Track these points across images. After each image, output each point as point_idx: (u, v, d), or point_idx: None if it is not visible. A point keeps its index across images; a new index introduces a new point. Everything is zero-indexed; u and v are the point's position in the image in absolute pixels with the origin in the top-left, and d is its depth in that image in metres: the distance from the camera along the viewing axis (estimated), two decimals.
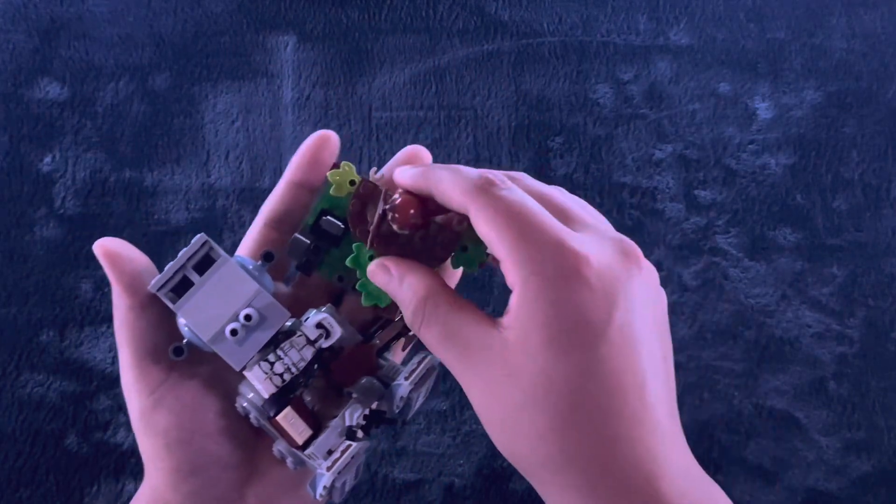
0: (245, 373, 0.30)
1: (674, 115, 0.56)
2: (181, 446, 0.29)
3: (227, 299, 0.29)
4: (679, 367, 0.53)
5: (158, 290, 0.29)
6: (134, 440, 0.52)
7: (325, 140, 0.32)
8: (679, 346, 0.54)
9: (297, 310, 0.31)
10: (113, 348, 0.53)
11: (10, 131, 0.55)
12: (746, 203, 0.55)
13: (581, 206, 0.29)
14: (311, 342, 0.30)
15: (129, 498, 0.52)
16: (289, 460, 0.30)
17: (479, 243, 0.31)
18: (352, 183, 0.35)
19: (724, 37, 0.57)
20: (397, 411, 0.30)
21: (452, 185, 0.28)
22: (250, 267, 0.30)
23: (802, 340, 0.54)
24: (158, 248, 0.54)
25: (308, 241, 0.35)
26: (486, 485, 0.52)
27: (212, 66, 0.56)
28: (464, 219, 0.29)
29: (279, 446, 0.30)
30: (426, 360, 0.31)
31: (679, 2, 0.57)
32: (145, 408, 0.30)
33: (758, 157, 0.56)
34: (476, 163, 0.55)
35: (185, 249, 0.29)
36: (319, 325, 0.30)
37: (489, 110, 0.56)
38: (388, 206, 0.33)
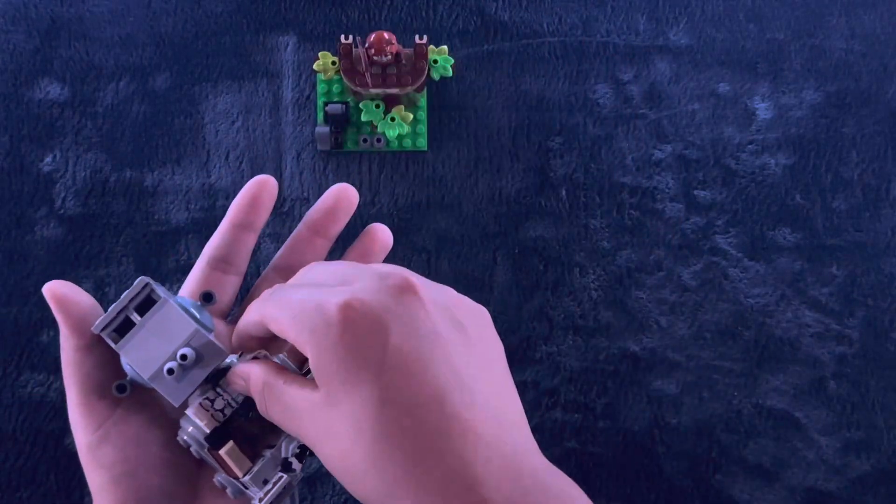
0: (187, 411, 0.31)
1: (673, 115, 0.56)
2: (127, 479, 0.31)
3: (166, 339, 0.30)
4: (678, 366, 0.54)
5: (101, 330, 0.30)
6: None
7: (264, 183, 0.34)
8: (679, 346, 0.54)
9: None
10: None
11: (11, 131, 0.55)
12: (746, 203, 0.55)
13: (354, 266, 0.30)
14: None
15: None
16: (229, 490, 0.31)
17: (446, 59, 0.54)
18: (333, 63, 0.54)
19: (724, 37, 0.57)
20: None
21: (249, 314, 0.30)
22: (190, 308, 0.31)
23: (802, 340, 0.54)
24: (159, 248, 0.54)
25: (328, 128, 0.53)
26: None
27: (212, 67, 0.56)
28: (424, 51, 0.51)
29: (219, 477, 0.31)
30: (282, 479, 0.32)
31: (678, 2, 0.57)
32: (91, 443, 0.31)
33: (757, 157, 0.56)
34: (476, 163, 0.55)
35: (126, 292, 0.31)
36: (255, 358, 0.32)
37: (489, 110, 0.56)
38: (366, 46, 0.50)
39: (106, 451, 0.31)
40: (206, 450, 0.31)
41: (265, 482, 0.31)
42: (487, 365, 0.28)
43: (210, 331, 0.32)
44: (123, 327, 0.31)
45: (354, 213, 0.54)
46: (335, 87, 0.55)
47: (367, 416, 0.25)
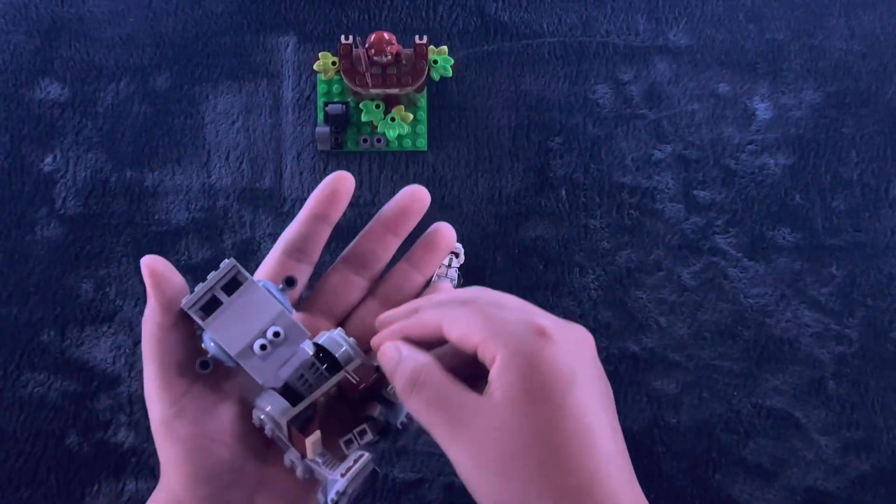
0: (263, 392, 0.32)
1: (673, 115, 0.56)
2: (199, 453, 0.32)
3: (252, 318, 0.31)
4: (678, 366, 0.54)
5: (190, 307, 0.31)
6: (134, 440, 0.53)
7: (344, 179, 0.36)
8: (678, 346, 0.54)
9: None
10: (114, 348, 0.53)
11: (11, 131, 0.55)
12: (745, 203, 0.55)
13: (529, 304, 0.33)
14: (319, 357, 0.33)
15: (130, 497, 0.52)
16: (299, 469, 0.32)
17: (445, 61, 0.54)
18: (333, 63, 0.54)
19: (724, 37, 0.57)
20: (400, 426, 0.34)
21: (424, 317, 0.32)
22: (273, 290, 0.32)
23: (801, 340, 0.54)
24: (159, 248, 0.54)
25: (328, 128, 0.53)
26: None
27: (212, 67, 0.56)
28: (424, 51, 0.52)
29: (291, 456, 0.32)
30: (362, 458, 0.33)
31: (678, 3, 0.57)
32: (167, 417, 0.32)
33: (757, 157, 0.56)
34: (476, 163, 0.55)
35: (214, 272, 0.31)
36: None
37: (489, 110, 0.56)
38: (366, 46, 0.50)
39: (181, 426, 0.32)
40: (285, 430, 0.32)
41: (337, 465, 0.31)
42: (614, 415, 0.31)
43: (290, 313, 0.32)
44: (210, 306, 0.31)
45: (354, 212, 0.55)
46: (335, 88, 0.55)
47: (541, 430, 0.28)
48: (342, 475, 0.31)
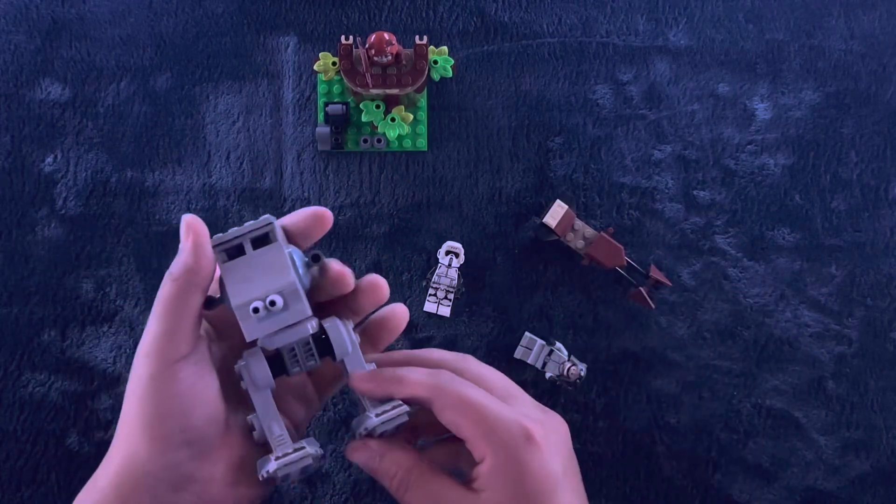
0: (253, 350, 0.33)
1: (673, 115, 0.56)
2: (187, 412, 0.31)
3: (265, 278, 0.31)
4: (678, 366, 0.54)
5: (216, 245, 0.31)
6: None
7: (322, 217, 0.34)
8: (678, 346, 0.54)
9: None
10: (114, 348, 0.53)
11: (12, 132, 0.55)
12: (745, 203, 0.55)
13: (512, 384, 0.35)
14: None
15: None
16: (255, 431, 0.33)
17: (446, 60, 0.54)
18: (333, 64, 0.54)
19: (723, 38, 0.57)
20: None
21: (413, 384, 0.33)
22: (298, 261, 0.32)
23: (801, 340, 0.54)
24: (159, 248, 0.54)
25: (328, 128, 0.54)
26: None
27: (213, 67, 0.56)
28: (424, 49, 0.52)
29: (252, 417, 0.33)
30: (400, 408, 0.33)
31: (678, 3, 0.57)
32: (159, 372, 0.31)
33: (756, 157, 0.56)
34: (476, 163, 0.55)
35: (251, 222, 0.32)
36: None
37: (489, 110, 0.56)
38: (367, 47, 0.49)
39: (174, 382, 0.31)
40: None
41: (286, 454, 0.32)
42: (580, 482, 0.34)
43: (305, 288, 0.32)
44: (234, 252, 0.32)
45: (354, 212, 0.55)
46: (335, 88, 0.55)
47: None
48: (276, 459, 0.31)
